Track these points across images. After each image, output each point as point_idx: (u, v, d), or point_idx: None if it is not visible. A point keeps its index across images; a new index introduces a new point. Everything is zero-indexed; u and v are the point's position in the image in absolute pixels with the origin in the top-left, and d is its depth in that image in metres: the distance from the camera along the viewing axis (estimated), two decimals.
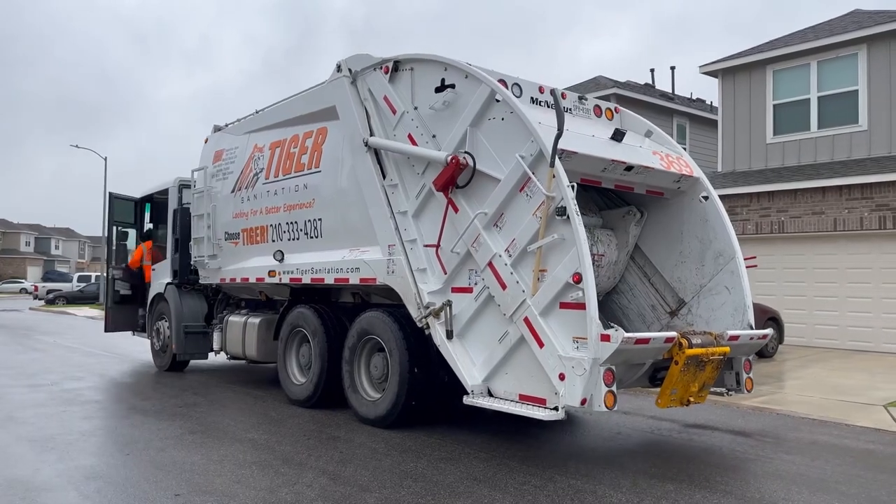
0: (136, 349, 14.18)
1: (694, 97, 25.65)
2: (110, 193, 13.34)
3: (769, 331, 6.77)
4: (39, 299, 44.51)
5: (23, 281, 65.55)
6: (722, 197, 7.38)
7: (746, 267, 6.85)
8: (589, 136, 6.59)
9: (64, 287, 45.69)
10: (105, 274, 13.45)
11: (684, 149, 7.69)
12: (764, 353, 12.77)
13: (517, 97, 6.41)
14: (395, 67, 7.27)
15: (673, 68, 26.05)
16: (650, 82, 25.23)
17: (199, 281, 11.06)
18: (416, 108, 7.03)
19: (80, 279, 47.56)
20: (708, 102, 25.11)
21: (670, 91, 24.89)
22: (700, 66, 18.00)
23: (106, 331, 13.26)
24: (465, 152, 6.40)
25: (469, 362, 6.36)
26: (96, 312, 30.69)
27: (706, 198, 7.10)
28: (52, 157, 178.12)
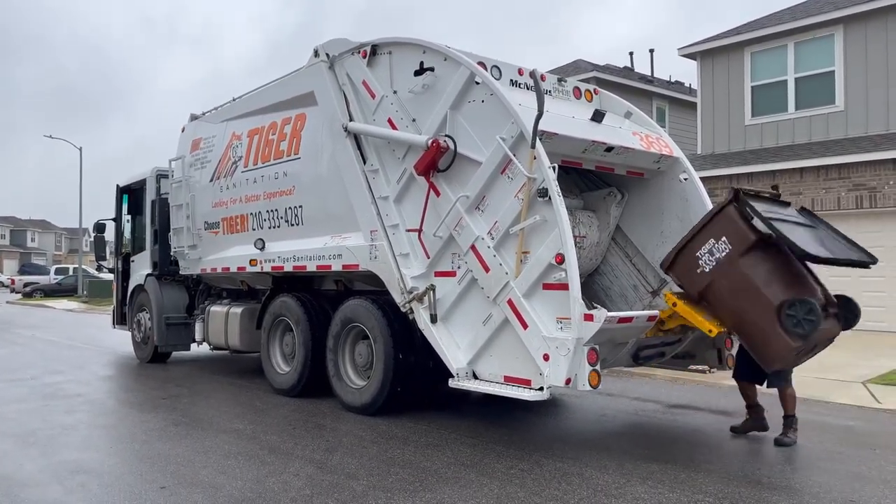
0: (116, 341, 14.04)
1: (673, 80, 25.71)
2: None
3: None
4: (16, 292, 43.92)
5: None
6: (702, 179, 7.40)
7: None
8: (569, 118, 6.57)
9: (41, 280, 45.11)
10: (115, 268, 13.32)
11: (664, 131, 7.69)
12: None
13: (497, 79, 6.36)
14: (374, 51, 7.20)
15: (652, 51, 26.09)
16: (630, 65, 25.25)
17: (180, 272, 10.96)
18: (395, 92, 6.98)
19: (58, 272, 47.00)
20: (687, 85, 25.18)
21: (649, 74, 24.93)
22: (679, 49, 18.03)
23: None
24: (446, 135, 6.36)
25: (454, 346, 6.36)
26: (75, 305, 30.39)
27: (686, 178, 7.12)
28: (36, 148, 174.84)
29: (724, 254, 5.47)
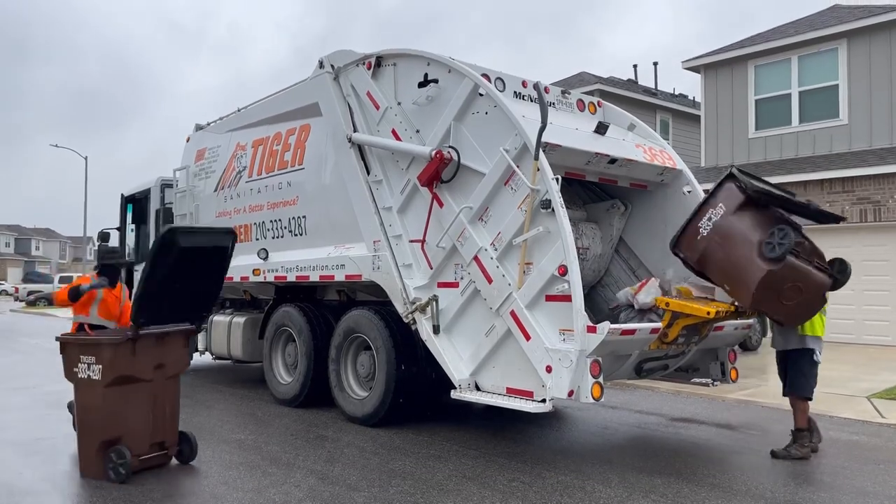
0: None
1: (677, 93, 25.76)
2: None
3: (752, 320, 6.79)
4: (20, 301, 43.98)
5: (3, 282, 64.74)
6: (705, 192, 7.35)
7: None
8: (572, 130, 6.59)
9: (45, 288, 45.11)
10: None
11: (668, 143, 7.70)
12: (748, 347, 12.86)
13: (500, 91, 6.39)
14: (378, 63, 7.23)
15: (656, 64, 26.13)
16: (634, 78, 25.31)
17: None
18: (399, 104, 7.00)
19: (62, 280, 47.05)
20: (691, 98, 25.22)
21: (653, 87, 24.97)
22: (683, 62, 18.08)
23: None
24: (450, 147, 6.38)
25: (456, 357, 6.34)
26: None
27: (690, 190, 7.11)
28: (47, 155, 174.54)
29: (719, 216, 5.75)
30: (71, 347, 5.66)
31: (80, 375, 5.58)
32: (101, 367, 5.46)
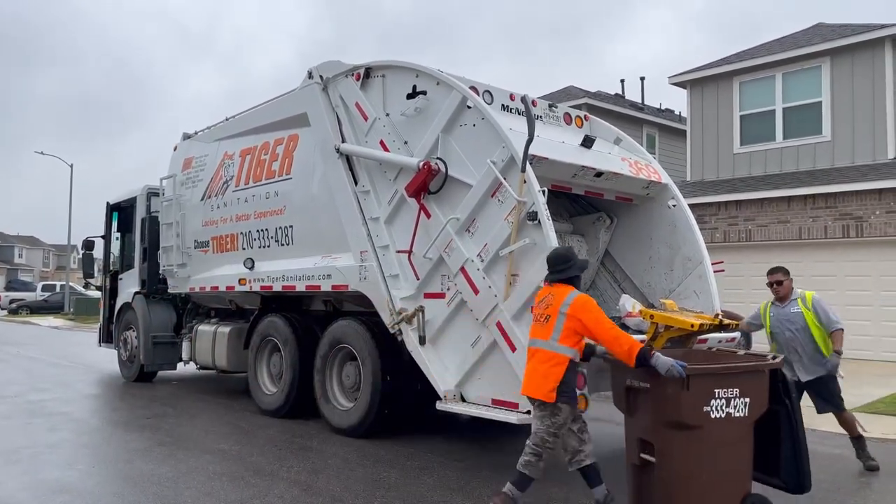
0: (102, 360, 13.92)
1: (663, 107, 25.97)
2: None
3: (737, 334, 6.84)
4: (2, 309, 43.52)
5: None
6: (690, 206, 7.48)
7: (714, 272, 6.93)
8: (559, 143, 6.65)
9: (27, 296, 44.73)
10: (103, 285, 13.26)
11: (654, 157, 7.78)
12: None
13: (488, 104, 6.44)
14: (367, 74, 7.27)
15: (643, 79, 26.35)
16: (621, 93, 25.51)
17: (168, 290, 10.91)
18: (387, 115, 7.03)
19: (45, 288, 46.65)
20: (677, 113, 25.43)
21: (640, 101, 25.18)
22: (669, 77, 18.25)
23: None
24: (437, 158, 6.41)
25: (442, 368, 6.35)
26: (61, 322, 30.12)
27: (675, 204, 7.18)
28: (40, 163, 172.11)
29: None
30: (705, 380, 4.36)
31: (713, 415, 4.33)
32: (748, 399, 4.41)
